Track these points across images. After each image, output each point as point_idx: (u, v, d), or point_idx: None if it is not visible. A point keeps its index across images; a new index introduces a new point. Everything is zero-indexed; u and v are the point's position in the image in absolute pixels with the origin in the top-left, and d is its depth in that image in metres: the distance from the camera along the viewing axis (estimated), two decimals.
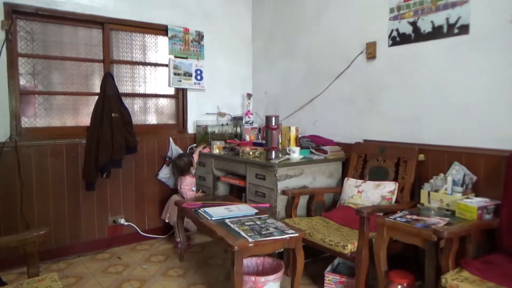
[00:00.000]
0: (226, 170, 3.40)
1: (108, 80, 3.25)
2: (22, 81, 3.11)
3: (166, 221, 3.45)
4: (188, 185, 3.41)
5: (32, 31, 3.13)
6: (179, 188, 3.45)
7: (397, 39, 2.81)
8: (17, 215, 3.01)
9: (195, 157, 3.60)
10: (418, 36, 2.69)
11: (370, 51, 2.98)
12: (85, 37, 3.36)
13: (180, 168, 3.46)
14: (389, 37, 2.86)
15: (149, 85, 3.76)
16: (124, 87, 3.60)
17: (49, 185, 3.16)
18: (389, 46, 2.87)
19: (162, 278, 2.81)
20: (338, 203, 2.95)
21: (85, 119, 3.39)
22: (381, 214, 2.47)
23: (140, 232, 3.58)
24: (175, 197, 3.45)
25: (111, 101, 3.21)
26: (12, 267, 2.95)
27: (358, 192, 2.79)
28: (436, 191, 2.36)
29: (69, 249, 3.25)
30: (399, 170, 2.73)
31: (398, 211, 2.30)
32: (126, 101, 3.57)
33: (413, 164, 2.64)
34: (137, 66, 3.68)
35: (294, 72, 3.75)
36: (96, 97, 3.29)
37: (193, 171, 3.50)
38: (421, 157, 2.65)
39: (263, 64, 4.16)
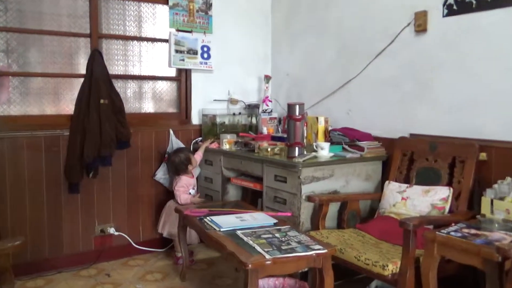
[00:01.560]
0: (238, 170, 3.40)
1: (96, 59, 3.28)
2: None
3: (164, 234, 3.47)
4: (183, 187, 3.43)
5: None
6: (173, 190, 3.48)
7: (454, 7, 2.77)
8: None
9: (200, 154, 3.62)
10: (481, 3, 2.64)
11: (420, 23, 2.94)
12: (69, 6, 3.40)
13: (174, 165, 3.48)
14: (444, 5, 2.82)
15: (146, 65, 3.77)
16: (115, 68, 3.63)
17: (25, 186, 3.21)
18: (443, 16, 2.84)
19: None
20: (376, 212, 2.93)
21: (68, 106, 3.43)
22: (431, 227, 2.45)
23: (134, 244, 3.62)
24: (172, 204, 3.46)
25: (99, 84, 3.24)
26: None
27: (402, 199, 2.77)
28: (502, 198, 2.32)
29: (49, 263, 3.30)
30: (454, 172, 2.70)
31: (453, 224, 2.27)
32: (118, 85, 3.59)
33: (472, 165, 2.61)
34: (131, 42, 3.70)
35: (322, 50, 3.73)
36: (82, 80, 3.33)
37: (193, 170, 3.52)
38: (483, 156, 2.61)
39: (284, 40, 4.14)
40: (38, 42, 3.31)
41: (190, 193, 3.47)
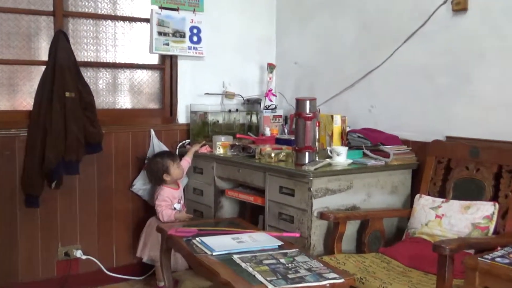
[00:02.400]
0: (235, 180, 3.41)
1: (60, 43, 3.29)
2: None
3: (143, 259, 3.48)
4: (165, 200, 3.43)
5: None
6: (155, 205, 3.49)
7: None
8: None
9: (187, 160, 3.62)
10: None
11: (459, 1, 2.95)
12: None
13: (151, 173, 3.49)
14: None
15: (121, 50, 3.78)
16: (84, 53, 3.63)
17: None
18: None
19: None
20: (405, 233, 2.93)
21: (25, 101, 3.43)
22: (472, 251, 2.44)
23: (105, 270, 3.62)
24: (154, 222, 3.46)
25: (64, 73, 3.25)
26: None
27: (437, 217, 2.77)
28: None
29: None
30: (500, 184, 2.69)
31: (499, 248, 2.25)
32: (87, 74, 3.60)
33: None
34: (104, 22, 3.71)
35: (339, 33, 3.73)
36: (43, 68, 3.33)
37: (178, 180, 3.52)
38: None
39: (292, 21, 4.14)
40: None
41: (175, 208, 3.47)
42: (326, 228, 2.84)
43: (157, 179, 3.47)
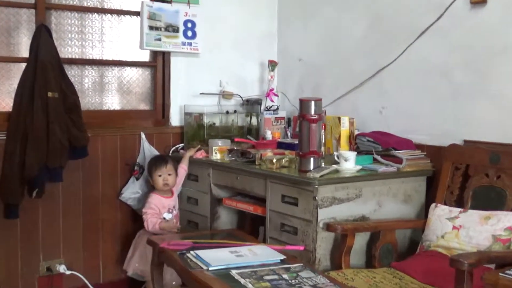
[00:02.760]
0: (233, 188, 3.41)
1: (42, 38, 3.28)
2: None
3: (128, 273, 3.46)
4: (151, 208, 3.43)
5: None
6: None
7: None
8: None
9: (183, 167, 3.62)
10: None
11: None
12: None
13: (146, 178, 3.51)
14: None
15: (109, 46, 3.79)
16: (68, 49, 3.64)
17: None
18: None
19: None
20: (419, 246, 2.93)
21: (4, 101, 3.45)
22: (493, 266, 2.42)
23: (91, 286, 3.61)
24: (144, 233, 3.45)
25: (47, 71, 3.24)
26: None
27: (454, 228, 2.76)
28: None
29: None
30: None
31: None
32: (72, 72, 3.61)
33: None
34: (90, 15, 3.72)
35: (347, 27, 3.73)
36: (23, 65, 3.33)
37: (174, 188, 3.53)
38: None
39: (295, 14, 4.14)
40: None
41: (164, 218, 3.45)
42: (333, 241, 2.83)
43: (149, 184, 3.48)
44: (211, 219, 3.57)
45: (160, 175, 3.44)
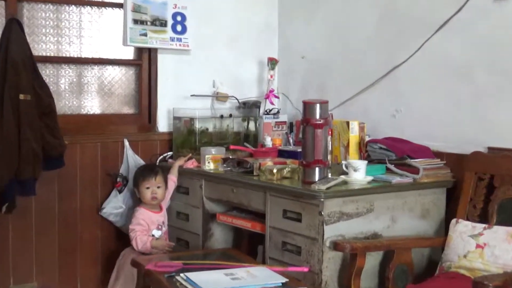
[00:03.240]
0: (228, 202, 3.40)
1: (13, 34, 3.27)
2: None
3: None
4: (140, 224, 3.41)
5: None
6: None
7: None
8: None
9: (173, 179, 3.61)
10: None
11: None
12: None
13: (131, 191, 3.52)
14: None
15: (88, 42, 3.78)
16: (42, 46, 3.63)
17: None
18: None
19: None
20: (438, 267, 2.91)
21: None
22: None
23: None
24: (128, 253, 3.44)
25: (18, 71, 3.23)
26: None
27: (478, 246, 2.75)
28: None
29: None
30: None
31: None
32: (46, 72, 3.60)
33: None
34: (67, 7, 3.71)
35: (356, 21, 3.74)
36: None
37: (162, 203, 3.52)
38: None
39: (298, 6, 4.14)
40: None
41: (153, 235, 3.44)
42: (341, 261, 2.81)
43: (134, 198, 3.48)
44: (204, 237, 3.55)
45: (148, 188, 3.43)
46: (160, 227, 3.51)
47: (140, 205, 3.47)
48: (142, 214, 3.44)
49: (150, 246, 3.35)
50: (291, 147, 3.69)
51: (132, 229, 3.40)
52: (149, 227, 3.44)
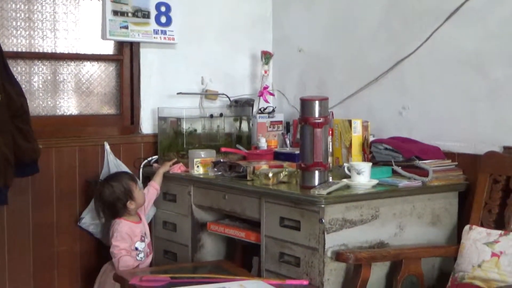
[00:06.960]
0: (220, 209, 3.41)
1: None
2: None
3: None
4: (123, 239, 3.40)
5: None
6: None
7: None
8: None
9: (155, 186, 3.62)
10: None
11: None
12: None
13: (106, 201, 3.46)
14: None
15: (63, 35, 3.77)
16: (13, 41, 3.62)
17: None
18: None
19: None
20: (450, 278, 2.91)
21: None
22: None
23: None
24: (111, 269, 3.43)
25: None
26: None
27: (494, 255, 2.76)
28: None
29: None
30: None
31: None
32: (18, 69, 3.60)
33: None
34: None
35: (359, 10, 3.76)
36: None
37: (140, 210, 3.51)
38: None
39: None
40: None
41: (136, 248, 3.43)
42: (344, 273, 2.83)
43: (114, 211, 3.44)
44: (193, 249, 3.57)
45: (140, 189, 3.48)
46: (143, 238, 3.50)
47: (120, 217, 3.44)
48: (124, 227, 3.41)
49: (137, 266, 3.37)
50: (288, 149, 3.72)
51: (116, 246, 3.37)
52: (132, 240, 3.43)
